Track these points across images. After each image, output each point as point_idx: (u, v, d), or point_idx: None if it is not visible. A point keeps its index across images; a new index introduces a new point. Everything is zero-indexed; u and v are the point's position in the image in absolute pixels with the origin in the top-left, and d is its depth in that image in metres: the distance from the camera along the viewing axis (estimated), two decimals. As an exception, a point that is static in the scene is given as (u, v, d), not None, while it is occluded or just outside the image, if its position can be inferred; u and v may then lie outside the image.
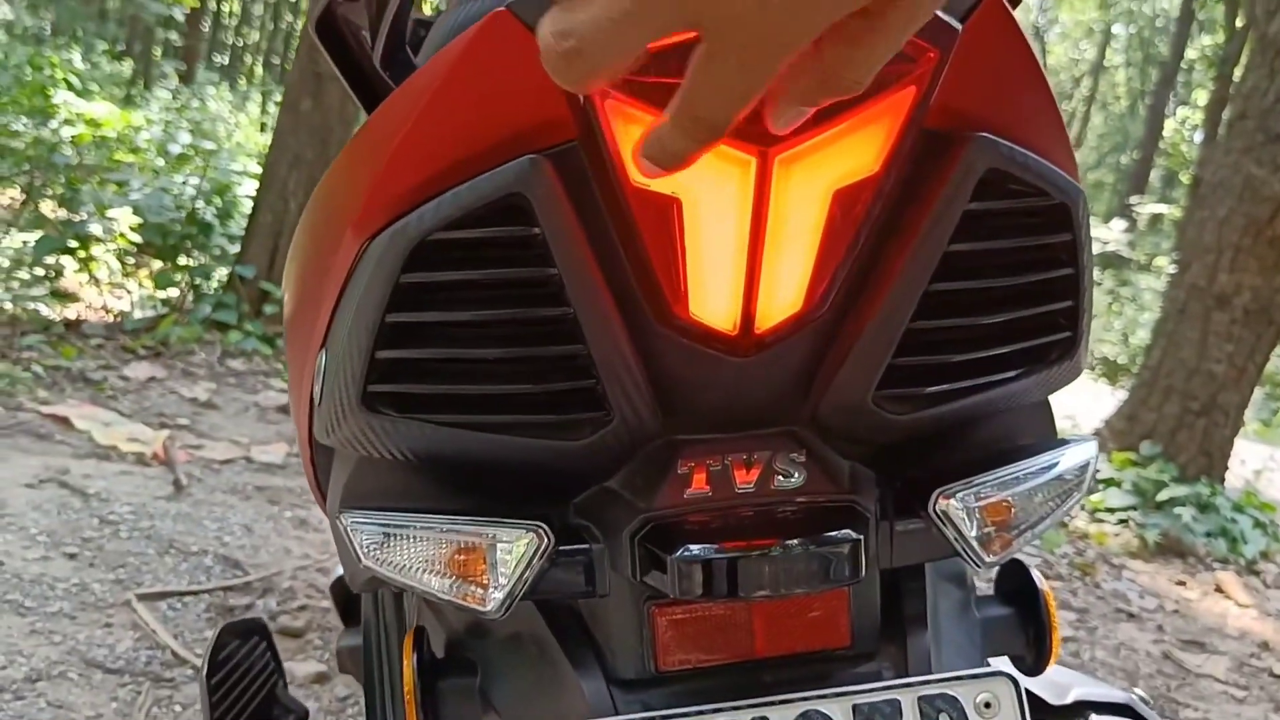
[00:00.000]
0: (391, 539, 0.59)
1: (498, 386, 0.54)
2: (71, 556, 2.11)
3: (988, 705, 0.59)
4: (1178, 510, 3.94)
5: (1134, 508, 4.01)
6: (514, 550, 0.57)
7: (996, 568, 0.70)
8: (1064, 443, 0.65)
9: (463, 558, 0.58)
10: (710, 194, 0.50)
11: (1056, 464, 0.64)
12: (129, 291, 4.73)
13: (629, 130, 0.48)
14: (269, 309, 4.52)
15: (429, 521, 0.58)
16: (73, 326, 4.05)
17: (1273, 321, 4.29)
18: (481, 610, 0.58)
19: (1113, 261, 17.72)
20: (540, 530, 0.56)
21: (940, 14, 0.49)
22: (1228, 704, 2.54)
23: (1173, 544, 3.81)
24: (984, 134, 0.53)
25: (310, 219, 0.67)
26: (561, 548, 0.57)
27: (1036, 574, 0.71)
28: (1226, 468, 4.48)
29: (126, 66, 14.28)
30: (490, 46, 0.49)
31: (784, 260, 0.52)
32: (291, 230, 4.52)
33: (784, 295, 0.53)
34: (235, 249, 4.90)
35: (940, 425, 0.61)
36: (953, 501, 0.60)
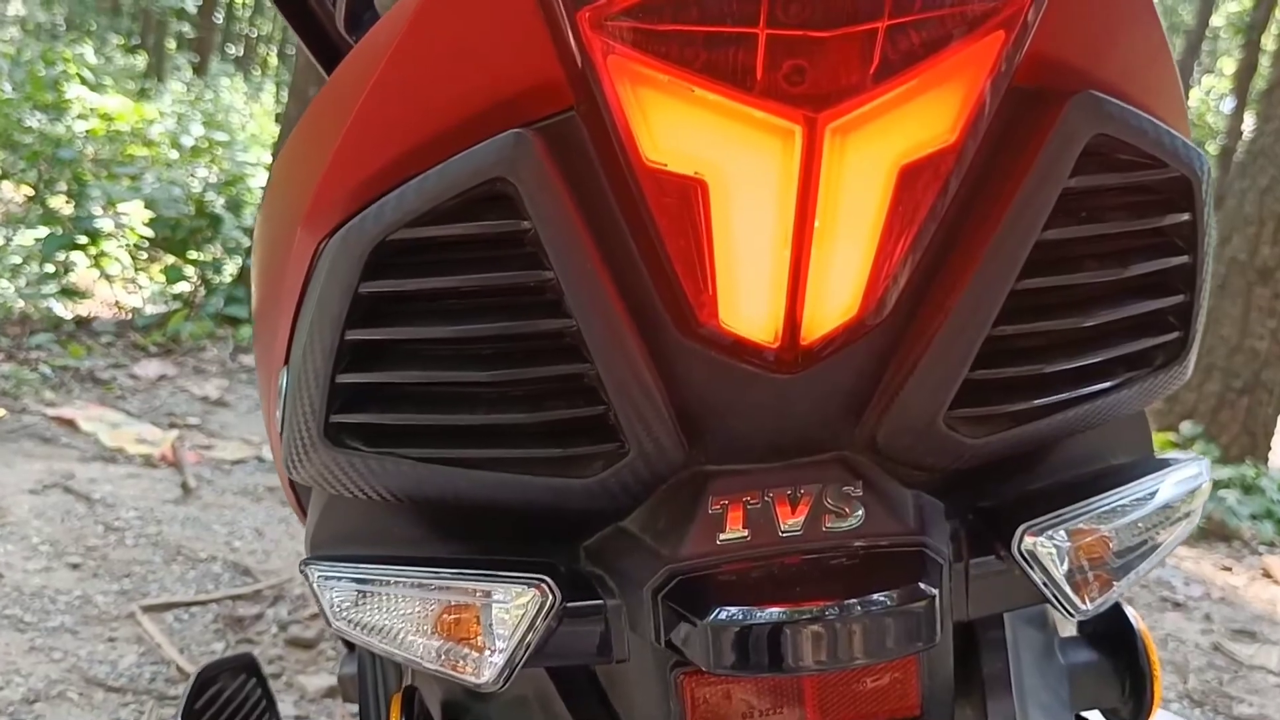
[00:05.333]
0: (367, 596, 0.49)
1: (486, 416, 0.45)
2: (74, 566, 2.06)
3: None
4: (1221, 493, 3.84)
5: (1174, 490, 3.90)
6: (513, 610, 0.47)
7: None
8: (1166, 463, 0.55)
9: (452, 618, 0.49)
10: (744, 173, 0.39)
11: (1160, 489, 0.53)
12: (140, 287, 4.68)
13: (639, 94, 0.38)
14: (282, 302, 4.46)
15: (411, 575, 0.48)
16: (84, 324, 4.01)
17: (1318, 295, 4.16)
18: (475, 682, 0.48)
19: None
20: (544, 585, 0.47)
21: None
22: (1284, 698, 2.44)
23: (1216, 528, 3.70)
24: (1089, 91, 0.42)
25: (266, 209, 0.57)
26: (570, 604, 0.48)
27: (1131, 611, 0.60)
28: (1270, 447, 4.36)
29: (140, 60, 14.27)
30: None
31: (837, 254, 0.41)
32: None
33: (837, 297, 0.43)
34: (248, 242, 4.84)
35: (1020, 446, 0.51)
36: (1040, 539, 0.49)
